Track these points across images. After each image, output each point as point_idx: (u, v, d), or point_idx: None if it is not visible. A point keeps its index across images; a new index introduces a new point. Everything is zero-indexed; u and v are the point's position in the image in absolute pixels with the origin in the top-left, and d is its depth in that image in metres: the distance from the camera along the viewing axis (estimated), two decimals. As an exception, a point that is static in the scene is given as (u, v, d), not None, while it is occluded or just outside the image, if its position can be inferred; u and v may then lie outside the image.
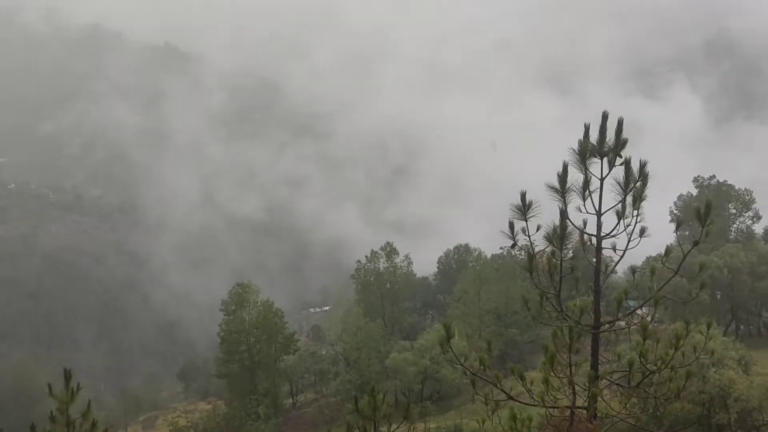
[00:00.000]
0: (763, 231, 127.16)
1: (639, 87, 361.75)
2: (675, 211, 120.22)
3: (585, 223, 13.54)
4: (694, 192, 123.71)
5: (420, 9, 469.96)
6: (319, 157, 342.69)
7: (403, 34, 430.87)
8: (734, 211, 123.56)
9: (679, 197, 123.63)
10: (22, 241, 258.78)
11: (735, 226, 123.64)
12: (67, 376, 20.71)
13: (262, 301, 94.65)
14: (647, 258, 55.90)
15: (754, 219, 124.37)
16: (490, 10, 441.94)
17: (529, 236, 13.46)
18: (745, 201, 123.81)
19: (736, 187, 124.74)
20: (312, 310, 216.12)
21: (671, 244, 14.70)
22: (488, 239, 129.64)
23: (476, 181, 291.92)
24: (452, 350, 13.81)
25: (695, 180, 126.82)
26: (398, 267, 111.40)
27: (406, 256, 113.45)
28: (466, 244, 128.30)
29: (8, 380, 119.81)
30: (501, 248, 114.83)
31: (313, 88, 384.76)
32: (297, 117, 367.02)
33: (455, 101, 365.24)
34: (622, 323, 14.85)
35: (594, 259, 13.86)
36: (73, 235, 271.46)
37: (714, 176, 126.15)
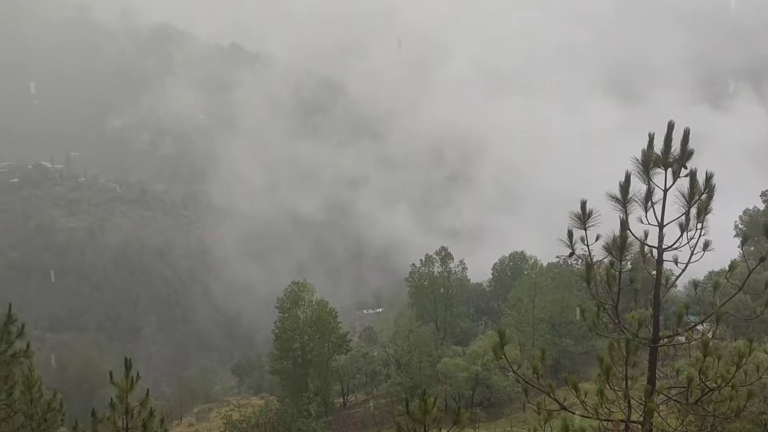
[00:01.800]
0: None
1: (705, 96, 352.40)
2: (740, 226, 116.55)
3: (646, 235, 13.32)
4: (761, 206, 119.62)
5: (478, 12, 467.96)
6: (376, 158, 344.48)
7: (461, 37, 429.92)
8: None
9: (745, 211, 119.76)
10: (90, 234, 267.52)
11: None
12: (128, 365, 21.35)
13: (317, 300, 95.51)
14: (709, 272, 54.36)
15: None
16: (550, 15, 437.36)
17: (587, 245, 13.30)
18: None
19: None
20: (365, 311, 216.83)
21: (735, 259, 14.35)
22: (544, 247, 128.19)
23: (533, 188, 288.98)
24: (506, 357, 13.74)
25: (763, 194, 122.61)
26: (452, 272, 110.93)
27: (461, 261, 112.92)
28: (522, 252, 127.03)
29: (72, 367, 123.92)
30: (557, 257, 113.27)
31: (372, 89, 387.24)
32: (356, 117, 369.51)
33: (513, 106, 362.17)
34: (682, 338, 14.54)
35: (654, 272, 13.62)
36: (138, 228, 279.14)
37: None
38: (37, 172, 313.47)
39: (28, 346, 22.22)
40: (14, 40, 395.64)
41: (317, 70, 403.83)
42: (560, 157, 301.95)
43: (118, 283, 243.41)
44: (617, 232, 13.37)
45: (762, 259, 13.00)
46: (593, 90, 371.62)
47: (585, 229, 13.27)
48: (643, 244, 13.40)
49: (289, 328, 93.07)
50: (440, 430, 15.40)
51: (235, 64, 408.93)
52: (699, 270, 14.62)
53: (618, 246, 13.08)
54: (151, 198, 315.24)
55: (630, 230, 13.19)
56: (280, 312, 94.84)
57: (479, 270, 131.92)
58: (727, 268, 13.87)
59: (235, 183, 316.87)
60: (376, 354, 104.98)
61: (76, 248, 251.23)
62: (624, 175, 13.15)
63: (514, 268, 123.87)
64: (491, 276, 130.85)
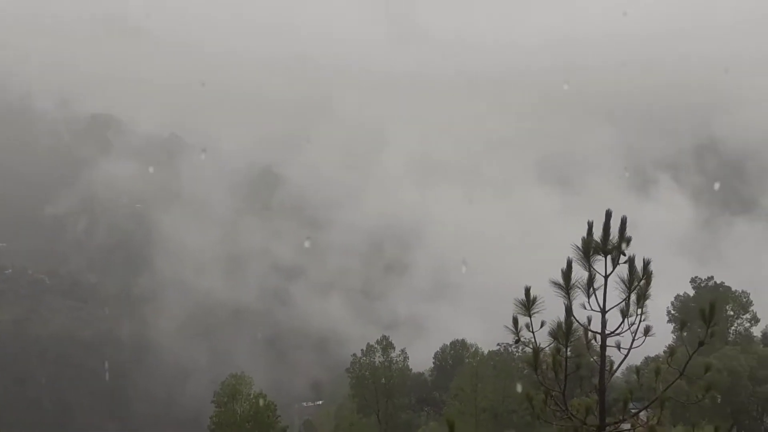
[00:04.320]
0: (761, 334, 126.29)
1: (631, 185, 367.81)
2: (672, 312, 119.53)
3: (589, 321, 13.53)
4: (691, 292, 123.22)
5: (416, 103, 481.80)
6: (314, 248, 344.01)
7: (399, 128, 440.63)
8: (732, 313, 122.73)
9: (677, 297, 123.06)
10: (14, 326, 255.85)
11: (733, 328, 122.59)
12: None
13: (255, 394, 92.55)
14: (646, 358, 55.24)
15: (752, 321, 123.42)
16: (485, 107, 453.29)
17: (533, 332, 13.41)
18: (742, 303, 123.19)
19: (733, 289, 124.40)
20: (305, 404, 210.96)
21: (671, 344, 14.66)
22: (484, 335, 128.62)
23: (471, 277, 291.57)
24: (456, 448, 13.51)
25: (692, 281, 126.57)
26: (394, 361, 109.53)
27: (403, 350, 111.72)
28: (463, 340, 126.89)
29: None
30: (498, 344, 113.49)
31: (311, 179, 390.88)
32: (295, 206, 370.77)
33: (450, 196, 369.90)
34: (627, 425, 14.60)
35: (598, 357, 13.76)
36: (68, 321, 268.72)
37: (711, 277, 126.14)
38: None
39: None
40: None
41: (257, 160, 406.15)
42: (497, 245, 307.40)
43: (44, 378, 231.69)
44: (561, 318, 13.54)
45: (701, 344, 13.33)
46: (526, 180, 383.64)
47: (530, 316, 13.42)
48: (586, 329, 13.59)
49: (226, 424, 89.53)
50: None
51: (174, 154, 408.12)
52: (634, 355, 14.82)
53: (563, 332, 13.23)
54: (83, 290, 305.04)
55: (574, 316, 13.39)
56: (216, 406, 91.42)
57: (420, 360, 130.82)
58: (662, 353, 14.13)
59: (172, 273, 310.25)
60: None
61: (0, 343, 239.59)
62: (566, 261, 13.44)
63: (455, 357, 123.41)
64: (432, 365, 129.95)
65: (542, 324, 13.51)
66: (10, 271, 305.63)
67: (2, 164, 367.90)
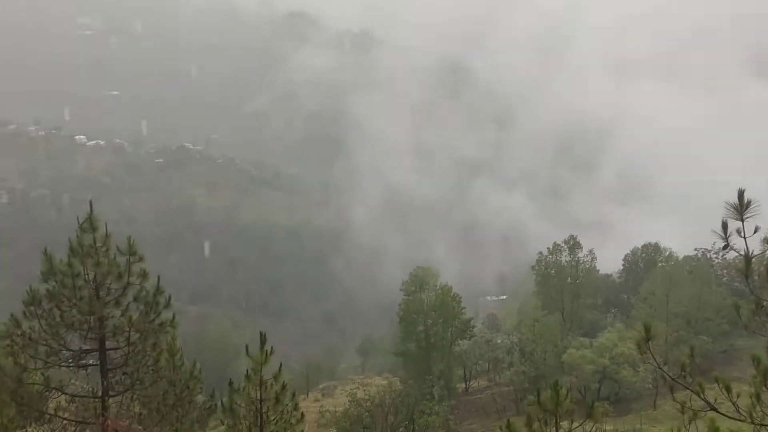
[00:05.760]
0: None
1: None
2: None
3: (812, 229, 12.24)
4: None
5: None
6: (500, 144, 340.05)
7: (593, 16, 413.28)
8: None
9: None
10: (225, 213, 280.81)
11: None
12: (263, 339, 22.17)
13: (441, 285, 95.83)
14: None
15: None
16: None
17: (745, 238, 12.36)
18: None
19: None
20: (488, 297, 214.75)
21: None
22: (678, 240, 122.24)
23: (667, 178, 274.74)
24: (651, 352, 13.08)
25: None
26: (581, 262, 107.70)
27: (590, 251, 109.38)
28: (656, 243, 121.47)
29: (208, 339, 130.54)
30: (696, 249, 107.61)
31: (499, 72, 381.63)
32: (482, 101, 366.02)
33: (646, 92, 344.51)
34: None
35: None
36: (270, 209, 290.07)
37: None
38: (180, 153, 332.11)
39: (173, 317, 23.51)
40: (163, 29, 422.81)
41: (446, 53, 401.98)
42: (699, 145, 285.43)
43: (250, 261, 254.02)
44: (776, 225, 12.35)
45: None
46: (737, 73, 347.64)
47: (743, 221, 12.33)
48: (808, 238, 12.32)
49: (414, 311, 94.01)
50: (572, 422, 15.02)
51: (365, 49, 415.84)
52: None
53: (782, 239, 12.09)
54: (283, 180, 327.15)
55: (795, 223, 12.16)
56: (405, 295, 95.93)
57: (605, 262, 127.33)
58: None
59: (366, 163, 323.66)
60: (499, 341, 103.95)
61: (214, 227, 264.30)
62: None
63: (646, 260, 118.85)
64: (621, 267, 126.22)
65: (756, 229, 12.39)
66: (221, 160, 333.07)
67: (206, 62, 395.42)
